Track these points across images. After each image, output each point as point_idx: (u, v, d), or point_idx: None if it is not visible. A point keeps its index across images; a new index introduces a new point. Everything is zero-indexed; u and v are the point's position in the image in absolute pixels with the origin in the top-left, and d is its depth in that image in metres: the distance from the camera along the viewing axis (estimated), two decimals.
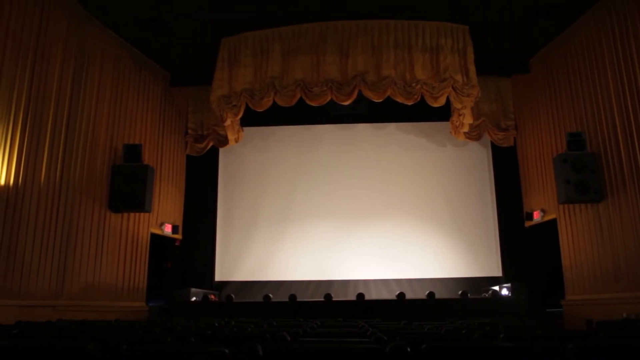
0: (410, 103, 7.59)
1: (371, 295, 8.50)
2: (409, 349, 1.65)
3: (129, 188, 7.50)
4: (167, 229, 8.60)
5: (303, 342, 2.25)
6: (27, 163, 6.02)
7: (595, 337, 2.29)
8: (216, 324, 4.50)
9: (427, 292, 7.47)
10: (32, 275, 6.02)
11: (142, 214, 7.97)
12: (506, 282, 7.99)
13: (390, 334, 3.14)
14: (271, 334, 2.58)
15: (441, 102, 7.56)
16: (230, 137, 8.60)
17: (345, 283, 8.76)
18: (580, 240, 7.39)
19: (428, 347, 1.67)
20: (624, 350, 1.65)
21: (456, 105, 7.71)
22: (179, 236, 8.95)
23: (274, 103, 7.78)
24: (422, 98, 7.58)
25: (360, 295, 7.42)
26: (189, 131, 9.18)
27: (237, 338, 2.78)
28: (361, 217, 9.10)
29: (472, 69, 7.49)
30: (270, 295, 7.56)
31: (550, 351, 1.67)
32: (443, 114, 8.60)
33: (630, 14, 6.45)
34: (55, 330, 3.27)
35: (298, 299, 7.65)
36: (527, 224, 8.59)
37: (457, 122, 8.37)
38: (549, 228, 8.05)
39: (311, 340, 2.32)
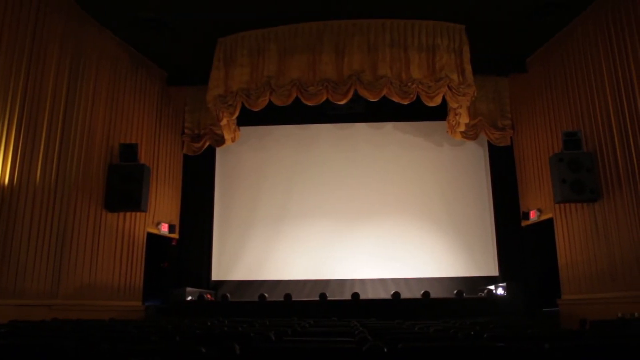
0: (406, 102, 7.59)
1: (368, 294, 8.52)
2: (385, 349, 1.65)
3: (125, 187, 7.52)
4: (164, 229, 8.61)
5: (285, 342, 2.26)
6: (23, 162, 6.04)
7: (578, 337, 2.29)
8: (209, 323, 4.51)
9: (423, 291, 7.46)
10: (28, 275, 6.03)
11: (138, 213, 7.99)
12: (503, 282, 7.99)
13: (378, 334, 3.15)
14: (257, 333, 2.58)
15: (437, 101, 7.56)
16: (227, 136, 8.61)
17: (342, 282, 8.76)
18: (576, 239, 7.39)
19: (404, 347, 1.67)
20: (600, 350, 1.65)
21: (452, 104, 7.70)
22: (175, 235, 8.96)
23: (271, 102, 7.79)
24: (419, 97, 7.58)
25: (355, 295, 7.43)
26: (186, 130, 9.18)
27: (224, 337, 2.78)
28: (358, 216, 9.11)
29: (468, 68, 7.48)
30: (266, 294, 7.57)
31: (527, 351, 1.67)
32: (440, 113, 8.59)
33: (626, 13, 6.44)
34: (46, 329, 3.28)
35: (294, 299, 7.66)
36: (524, 223, 8.58)
37: (453, 121, 8.37)
38: (546, 227, 8.04)
39: (293, 340, 2.32)
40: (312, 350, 1.68)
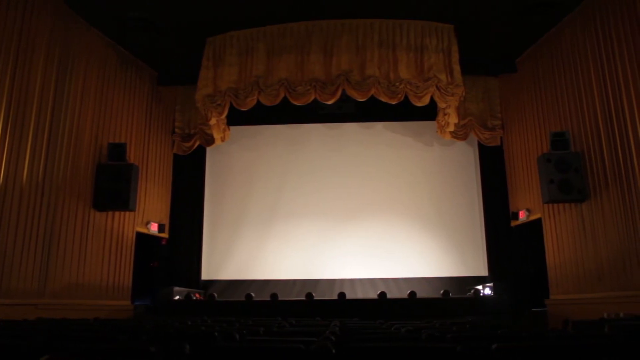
0: (394, 102, 7.59)
1: (357, 294, 8.52)
2: (333, 350, 1.66)
3: (113, 187, 7.52)
4: (153, 228, 8.61)
5: (243, 341, 2.27)
6: (9, 161, 6.03)
7: (538, 338, 2.29)
8: (189, 323, 4.51)
9: (409, 291, 7.46)
10: (14, 274, 6.03)
11: (127, 212, 7.99)
12: (492, 282, 7.98)
13: (353, 333, 3.16)
14: (222, 332, 2.59)
15: (425, 101, 7.56)
16: (216, 136, 8.61)
17: (331, 282, 8.76)
18: (564, 240, 7.39)
19: (353, 347, 1.67)
20: (549, 352, 1.65)
21: (440, 104, 7.71)
22: (165, 235, 8.97)
23: (261, 102, 7.78)
24: (408, 97, 7.58)
25: (342, 295, 7.42)
26: (176, 130, 9.19)
27: (200, 336, 2.78)
28: (348, 216, 9.10)
29: (457, 68, 7.48)
30: (253, 294, 7.57)
31: (475, 351, 1.67)
32: (430, 113, 8.59)
33: (613, 14, 6.44)
34: (15, 328, 3.29)
35: (284, 299, 7.66)
36: (513, 223, 8.58)
37: (442, 121, 8.37)
38: (535, 227, 8.05)
39: (252, 339, 2.33)
40: (259, 349, 1.69)
